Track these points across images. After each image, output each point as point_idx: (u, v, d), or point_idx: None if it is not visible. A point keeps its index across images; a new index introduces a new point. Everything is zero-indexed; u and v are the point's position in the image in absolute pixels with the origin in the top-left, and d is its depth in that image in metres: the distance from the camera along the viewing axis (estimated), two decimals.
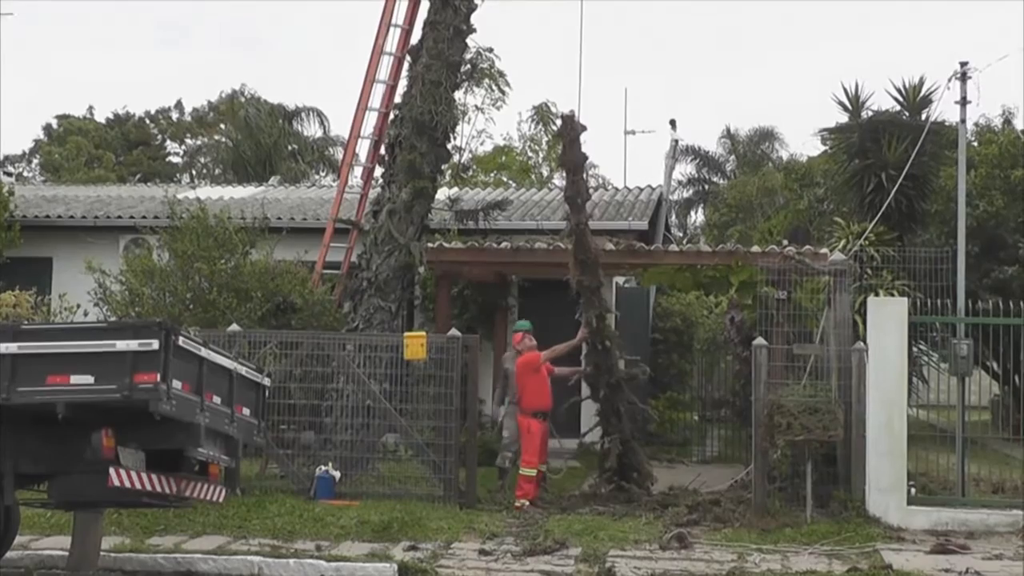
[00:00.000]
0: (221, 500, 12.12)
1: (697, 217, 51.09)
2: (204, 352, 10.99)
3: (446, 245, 19.68)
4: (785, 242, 18.63)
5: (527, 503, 15.28)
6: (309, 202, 25.55)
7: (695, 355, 24.25)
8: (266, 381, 12.74)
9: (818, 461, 14.81)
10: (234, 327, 16.23)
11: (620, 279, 23.50)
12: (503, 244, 19.75)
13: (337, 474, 15.36)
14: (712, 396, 24.08)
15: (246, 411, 11.99)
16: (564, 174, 15.42)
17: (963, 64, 16.25)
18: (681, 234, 44.22)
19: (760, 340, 15.29)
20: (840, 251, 17.24)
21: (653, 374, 19.85)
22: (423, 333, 16.36)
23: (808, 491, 14.53)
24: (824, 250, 17.78)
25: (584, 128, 15.16)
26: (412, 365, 15.89)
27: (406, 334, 16.23)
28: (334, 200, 20.89)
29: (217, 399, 11.24)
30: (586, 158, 15.35)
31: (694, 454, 21.58)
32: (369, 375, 16.06)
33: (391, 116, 19.72)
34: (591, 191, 16.23)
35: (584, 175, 15.30)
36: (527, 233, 21.56)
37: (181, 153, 56.13)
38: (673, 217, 43.14)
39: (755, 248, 19.02)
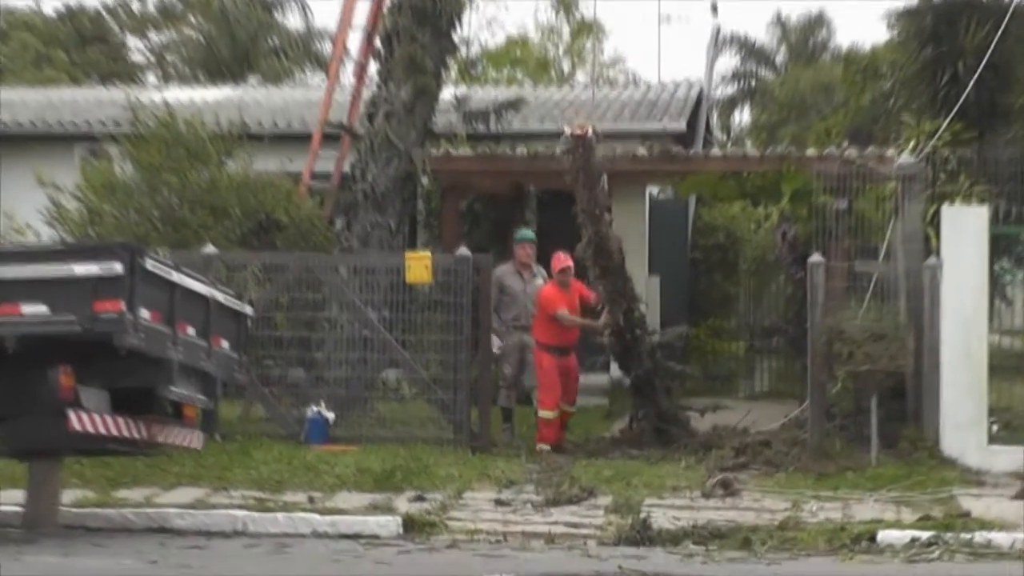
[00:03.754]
0: (198, 446, 12.21)
1: (743, 117, 50.83)
2: (176, 277, 11.01)
3: (453, 152, 19.59)
4: (845, 144, 18.52)
5: (548, 448, 15.33)
6: (294, 104, 25.40)
7: (741, 276, 24.18)
8: (248, 310, 12.76)
9: (884, 395, 14.81)
10: (209, 248, 16.21)
11: (654, 189, 23.40)
12: (518, 150, 19.64)
13: (331, 416, 15.41)
14: (761, 323, 24.05)
15: (225, 344, 12.02)
16: (577, 184, 15.21)
17: None
18: (724, 137, 43.97)
19: (817, 257, 15.22)
20: (909, 153, 17.11)
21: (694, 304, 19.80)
22: (427, 253, 16.34)
23: (873, 429, 14.54)
24: (891, 152, 17.66)
25: (600, 138, 15.05)
26: (415, 290, 15.90)
27: (408, 254, 16.23)
28: (322, 102, 20.74)
29: (191, 330, 11.28)
30: (603, 169, 15.27)
31: (741, 389, 21.58)
32: (366, 302, 16.08)
33: (387, 2, 19.55)
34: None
35: (602, 185, 15.22)
36: (546, 137, 21.32)
37: (145, 50, 55.91)
38: (715, 117, 42.82)
39: (810, 151, 18.95)
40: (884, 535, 11.30)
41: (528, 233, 17.12)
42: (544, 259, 16.72)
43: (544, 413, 15.69)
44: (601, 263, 15.41)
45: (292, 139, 21.52)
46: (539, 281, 16.54)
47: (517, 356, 16.44)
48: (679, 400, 16.74)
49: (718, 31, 29.67)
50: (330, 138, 20.26)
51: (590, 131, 14.72)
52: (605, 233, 15.27)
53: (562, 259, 15.79)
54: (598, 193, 15.13)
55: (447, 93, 21.42)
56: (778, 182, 18.30)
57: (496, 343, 16.54)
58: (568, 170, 14.93)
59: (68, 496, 12.15)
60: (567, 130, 14.70)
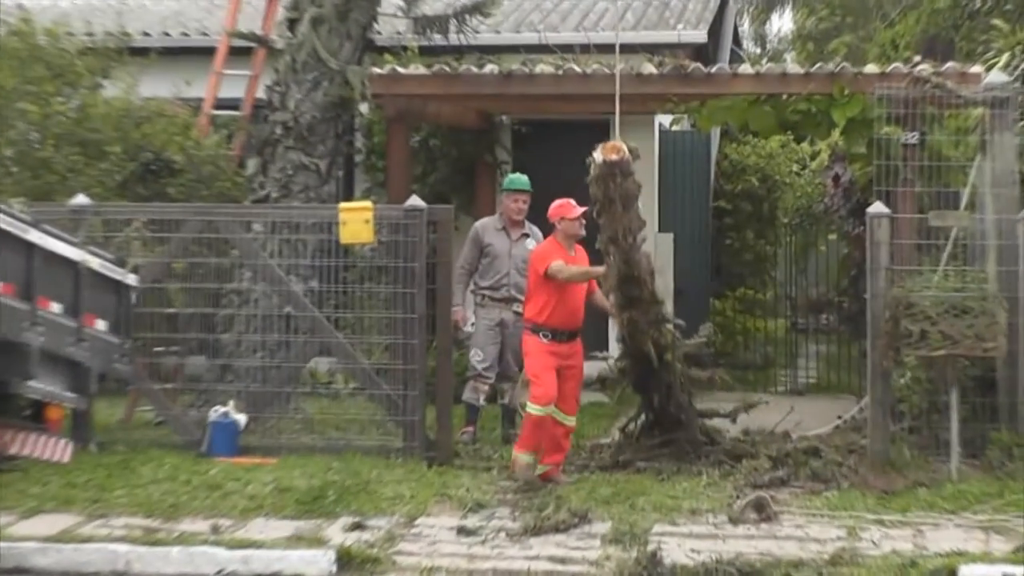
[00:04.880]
0: (67, 459, 12.18)
1: (782, 24, 50.93)
2: (34, 236, 10.99)
3: (401, 71, 19.54)
4: (917, 58, 18.52)
5: (528, 458, 15.25)
6: (191, 8, 25.36)
7: (780, 233, 24.23)
8: (131, 280, 12.73)
9: (968, 388, 14.85)
10: (81, 198, 16.12)
11: (665, 119, 23.37)
12: (487, 68, 19.60)
13: (243, 418, 15.40)
14: (807, 294, 24.15)
15: (101, 325, 12.05)
16: (609, 213, 15.11)
17: None
18: (758, 50, 44.02)
19: (879, 207, 15.20)
20: (1001, 70, 17.12)
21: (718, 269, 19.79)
22: (369, 204, 16.30)
23: (953, 433, 14.55)
24: (976, 68, 17.65)
25: (638, 156, 15.02)
26: (353, 253, 15.87)
27: (342, 206, 16.18)
28: (229, 5, 20.70)
29: (56, 307, 11.29)
30: (639, 189, 15.22)
31: (781, 381, 21.64)
32: (288, 269, 16.08)
33: None
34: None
35: (637, 208, 15.16)
36: (524, 51, 21.39)
37: None
38: (745, 24, 42.94)
39: (870, 68, 18.93)
40: (968, 571, 11.29)
41: (521, 179, 16.87)
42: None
43: (532, 408, 15.20)
44: (628, 293, 15.32)
45: (189, 54, 21.55)
46: (530, 243, 16.50)
47: (492, 338, 16.47)
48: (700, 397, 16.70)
49: None
50: (240, 52, 20.20)
51: (626, 152, 14.67)
52: (636, 259, 15.21)
53: (571, 206, 15.53)
54: (632, 218, 15.08)
55: None
56: (829, 109, 18.31)
57: (468, 319, 16.53)
58: (598, 199, 14.87)
59: None
60: (598, 156, 14.60)
